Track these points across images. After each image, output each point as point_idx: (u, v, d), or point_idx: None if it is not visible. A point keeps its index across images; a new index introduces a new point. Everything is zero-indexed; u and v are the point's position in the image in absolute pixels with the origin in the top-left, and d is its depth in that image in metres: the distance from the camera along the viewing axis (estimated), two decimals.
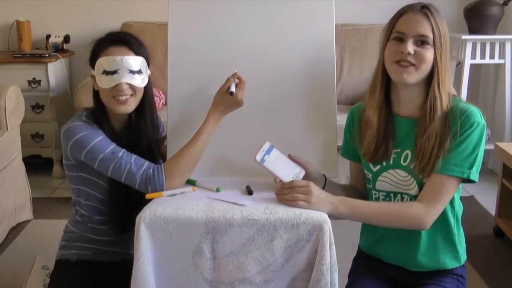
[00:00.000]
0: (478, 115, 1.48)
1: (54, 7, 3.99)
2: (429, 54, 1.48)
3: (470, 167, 1.47)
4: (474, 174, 1.48)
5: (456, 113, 1.48)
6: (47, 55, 3.63)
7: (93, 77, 1.69)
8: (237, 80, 1.63)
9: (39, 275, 2.03)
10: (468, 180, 1.49)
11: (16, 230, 2.89)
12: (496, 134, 3.77)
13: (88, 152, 1.62)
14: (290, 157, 1.61)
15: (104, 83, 1.64)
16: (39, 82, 3.60)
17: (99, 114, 1.71)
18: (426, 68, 1.48)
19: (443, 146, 1.48)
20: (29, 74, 3.59)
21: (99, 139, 1.63)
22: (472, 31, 3.57)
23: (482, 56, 3.57)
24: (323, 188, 1.60)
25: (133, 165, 1.60)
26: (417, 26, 1.48)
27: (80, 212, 1.77)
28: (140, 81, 1.67)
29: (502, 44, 3.54)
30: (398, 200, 1.58)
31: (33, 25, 3.90)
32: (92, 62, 1.67)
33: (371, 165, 1.61)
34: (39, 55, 3.64)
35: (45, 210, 3.16)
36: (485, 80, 4.03)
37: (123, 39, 1.68)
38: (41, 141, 3.70)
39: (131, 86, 1.65)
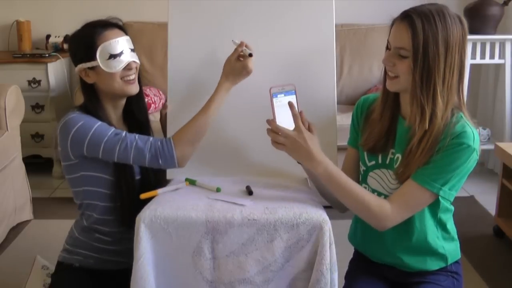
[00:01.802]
0: (471, 139, 1.42)
1: (54, 7, 3.99)
2: (405, 67, 1.44)
3: (443, 184, 1.44)
4: (446, 192, 1.45)
5: (450, 129, 1.44)
6: (47, 55, 3.63)
7: (84, 71, 1.67)
8: (246, 49, 1.63)
9: (39, 275, 2.03)
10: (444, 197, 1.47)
11: (16, 230, 2.89)
12: (496, 134, 3.77)
13: (90, 139, 1.59)
14: (301, 114, 1.53)
15: (114, 66, 1.64)
16: (39, 82, 3.60)
17: (95, 107, 1.68)
18: (406, 79, 1.45)
19: (424, 159, 1.44)
20: (29, 74, 3.59)
21: (98, 124, 1.61)
22: (472, 31, 3.55)
23: (482, 56, 3.58)
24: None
25: (139, 141, 1.59)
26: (397, 37, 1.45)
27: (87, 215, 1.73)
28: (137, 59, 1.72)
29: (502, 44, 3.54)
30: (383, 198, 1.56)
31: (33, 25, 3.90)
32: (88, 54, 1.64)
33: (366, 158, 1.61)
34: (39, 55, 3.64)
35: (45, 210, 3.16)
36: (485, 80, 4.03)
37: (112, 23, 1.71)
38: (41, 141, 3.70)
39: (135, 64, 1.70)
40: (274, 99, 1.49)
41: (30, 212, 3.06)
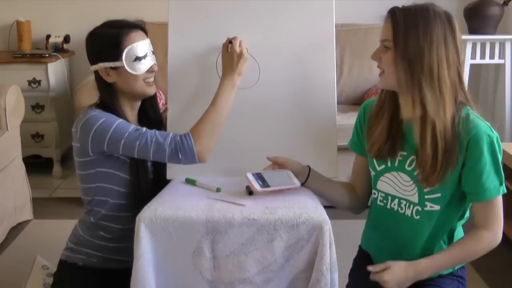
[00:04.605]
0: (487, 128, 1.44)
1: (54, 7, 3.99)
2: (388, 58, 1.46)
3: (501, 183, 1.47)
4: (504, 186, 1.48)
5: (462, 129, 1.44)
6: (47, 55, 3.63)
7: (105, 70, 1.68)
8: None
9: (39, 275, 2.03)
10: None
11: (16, 230, 2.89)
12: None
13: (111, 135, 1.59)
14: (268, 158, 1.64)
15: (138, 69, 1.68)
16: (39, 82, 3.60)
17: (114, 106, 1.70)
18: (391, 72, 1.47)
19: (450, 160, 1.45)
20: (29, 74, 3.59)
21: (120, 121, 1.62)
22: (472, 31, 3.57)
23: (482, 56, 3.57)
24: (306, 180, 1.62)
25: (159, 136, 1.59)
26: (382, 31, 1.49)
27: (95, 211, 1.73)
28: (156, 61, 1.74)
29: (502, 44, 3.54)
30: (395, 204, 1.57)
31: (33, 25, 3.90)
32: (113, 54, 1.66)
33: (375, 163, 1.60)
34: (39, 55, 3.64)
35: (45, 210, 3.16)
36: (485, 80, 4.03)
37: (136, 25, 1.73)
38: (41, 141, 3.70)
39: (155, 67, 1.74)
40: (266, 188, 1.54)
41: (30, 212, 3.06)
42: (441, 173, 1.46)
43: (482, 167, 1.44)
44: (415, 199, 1.53)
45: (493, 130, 1.46)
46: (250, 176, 1.54)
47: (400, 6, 1.47)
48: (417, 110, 1.45)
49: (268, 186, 1.54)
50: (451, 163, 1.45)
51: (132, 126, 1.62)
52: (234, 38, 1.68)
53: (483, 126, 1.45)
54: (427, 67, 1.43)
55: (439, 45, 1.43)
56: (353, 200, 1.70)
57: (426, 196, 1.51)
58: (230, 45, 1.68)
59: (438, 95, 1.44)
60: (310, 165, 1.66)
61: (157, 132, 1.61)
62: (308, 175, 1.64)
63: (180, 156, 1.57)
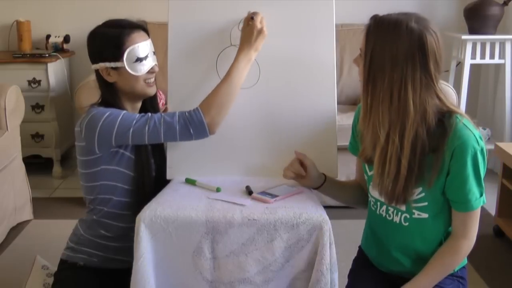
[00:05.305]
0: (474, 140, 1.40)
1: (54, 7, 3.99)
2: (360, 68, 1.46)
3: (481, 194, 1.46)
4: (484, 198, 1.48)
5: (450, 137, 1.41)
6: (47, 55, 3.63)
7: (105, 70, 1.68)
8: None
9: (39, 275, 2.03)
10: None
11: (16, 230, 2.89)
12: (496, 134, 3.77)
13: (119, 126, 1.60)
14: (296, 153, 1.65)
15: (139, 70, 1.68)
16: (39, 82, 3.60)
17: (116, 105, 1.70)
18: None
19: (417, 178, 1.43)
20: (29, 74, 3.59)
21: (124, 112, 1.64)
22: (472, 31, 3.57)
23: (482, 56, 3.57)
24: (321, 186, 1.63)
25: (166, 117, 1.60)
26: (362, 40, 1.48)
27: (98, 209, 1.73)
28: (156, 61, 1.75)
29: (502, 44, 3.54)
30: (383, 210, 1.56)
31: (33, 25, 3.90)
32: (115, 55, 1.66)
33: (367, 168, 1.60)
34: (39, 55, 3.64)
35: (45, 210, 3.15)
36: (485, 80, 4.03)
37: (138, 25, 1.73)
38: (41, 141, 3.70)
39: (156, 68, 1.75)
40: (276, 199, 1.54)
41: (30, 212, 3.06)
42: (403, 194, 1.45)
43: (465, 179, 1.43)
44: (402, 207, 1.52)
45: (479, 141, 1.42)
46: (256, 196, 1.55)
47: (380, 15, 1.45)
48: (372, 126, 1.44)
49: (277, 196, 1.55)
50: (419, 181, 1.44)
51: (137, 114, 1.63)
52: (256, 13, 1.68)
53: (470, 136, 1.41)
54: (388, 87, 1.39)
55: (404, 66, 1.37)
56: (362, 197, 1.71)
57: (413, 205, 1.50)
58: (251, 20, 1.67)
59: (394, 118, 1.41)
60: None
61: (163, 114, 1.62)
62: (324, 182, 1.66)
63: (191, 131, 1.59)
